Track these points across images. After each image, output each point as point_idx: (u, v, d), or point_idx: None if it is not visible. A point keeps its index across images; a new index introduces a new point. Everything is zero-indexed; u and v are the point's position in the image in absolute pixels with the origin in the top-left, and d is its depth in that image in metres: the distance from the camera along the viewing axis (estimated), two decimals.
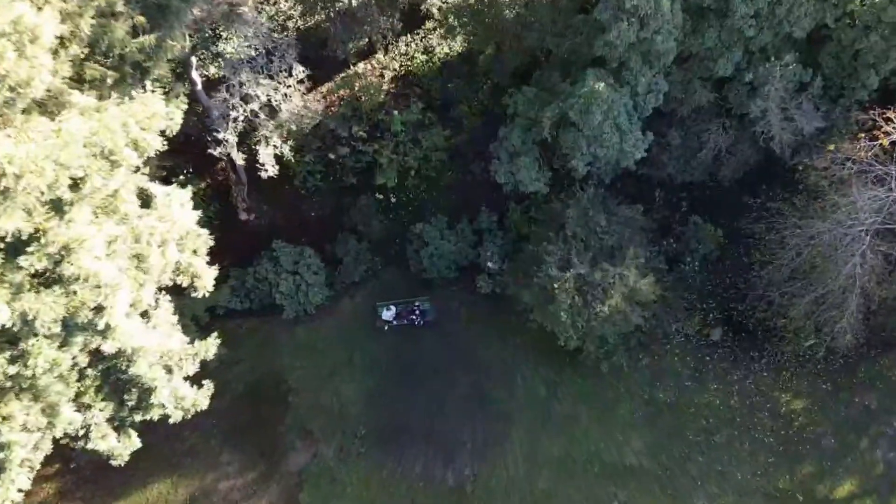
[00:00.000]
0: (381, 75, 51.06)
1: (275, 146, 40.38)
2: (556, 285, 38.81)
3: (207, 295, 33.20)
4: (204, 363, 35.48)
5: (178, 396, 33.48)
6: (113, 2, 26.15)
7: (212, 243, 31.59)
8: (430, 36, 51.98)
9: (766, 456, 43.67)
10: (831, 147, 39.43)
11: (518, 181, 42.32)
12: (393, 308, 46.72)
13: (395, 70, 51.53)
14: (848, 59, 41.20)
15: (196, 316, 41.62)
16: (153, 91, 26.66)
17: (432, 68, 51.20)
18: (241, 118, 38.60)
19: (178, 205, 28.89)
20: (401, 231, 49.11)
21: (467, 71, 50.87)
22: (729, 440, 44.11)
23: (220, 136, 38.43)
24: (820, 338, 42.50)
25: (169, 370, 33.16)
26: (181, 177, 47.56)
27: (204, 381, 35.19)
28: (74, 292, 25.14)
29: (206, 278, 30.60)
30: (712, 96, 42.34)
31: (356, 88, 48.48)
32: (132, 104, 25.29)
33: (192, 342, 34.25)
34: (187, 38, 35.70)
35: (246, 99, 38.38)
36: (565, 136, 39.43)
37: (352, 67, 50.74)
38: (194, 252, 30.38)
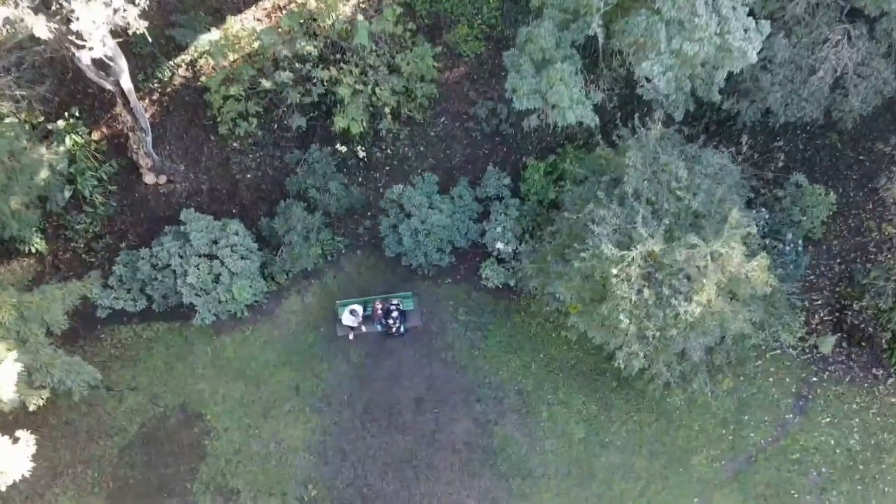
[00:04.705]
0: None
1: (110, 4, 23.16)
2: (613, 270, 24.05)
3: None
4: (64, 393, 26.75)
5: None
6: None
7: None
8: None
9: None
10: None
11: (552, 105, 27.44)
12: (360, 309, 32.36)
13: None
14: None
15: (48, 324, 26.80)
16: None
17: None
18: None
19: None
20: (373, 199, 35.35)
21: None
22: (850, 499, 31.94)
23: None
24: None
25: None
26: (63, 122, 33.52)
27: (18, 433, 21.29)
28: None
29: None
30: None
31: None
32: None
33: None
34: None
35: None
36: (633, 24, 24.46)
37: None
38: None
